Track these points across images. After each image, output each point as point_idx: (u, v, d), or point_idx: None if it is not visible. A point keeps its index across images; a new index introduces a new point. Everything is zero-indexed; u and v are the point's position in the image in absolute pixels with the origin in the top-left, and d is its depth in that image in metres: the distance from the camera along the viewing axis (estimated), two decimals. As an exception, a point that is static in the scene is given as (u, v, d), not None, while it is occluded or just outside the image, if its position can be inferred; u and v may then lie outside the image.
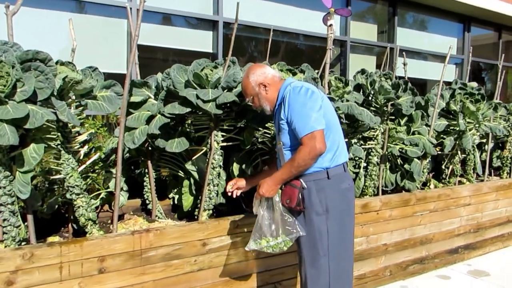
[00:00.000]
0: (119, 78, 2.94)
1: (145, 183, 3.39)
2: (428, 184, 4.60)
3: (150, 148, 3.28)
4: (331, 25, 3.47)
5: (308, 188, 2.55)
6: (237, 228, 3.04)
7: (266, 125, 3.18)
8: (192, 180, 3.27)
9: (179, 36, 6.14)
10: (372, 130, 4.00)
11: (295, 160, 2.48)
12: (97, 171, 3.22)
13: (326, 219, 2.55)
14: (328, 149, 2.53)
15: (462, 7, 8.96)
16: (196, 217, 3.21)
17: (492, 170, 5.62)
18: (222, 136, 3.11)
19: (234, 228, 3.03)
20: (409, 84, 4.11)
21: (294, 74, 3.28)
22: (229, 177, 3.28)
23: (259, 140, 3.32)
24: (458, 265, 4.56)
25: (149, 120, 3.06)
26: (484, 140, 5.22)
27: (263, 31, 6.64)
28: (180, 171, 3.38)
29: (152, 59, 6.26)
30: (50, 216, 3.00)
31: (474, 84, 4.87)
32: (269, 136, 3.32)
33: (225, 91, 2.99)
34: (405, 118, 4.17)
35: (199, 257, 2.92)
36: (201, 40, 6.26)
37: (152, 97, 3.17)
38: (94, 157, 2.97)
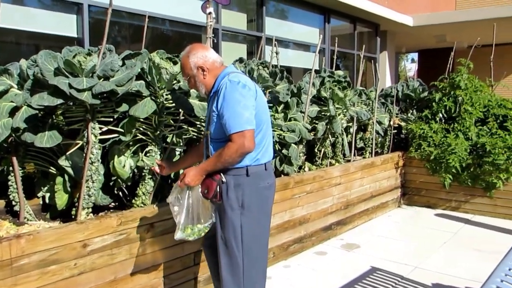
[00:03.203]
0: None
1: (10, 182, 2.96)
2: (303, 167, 4.73)
3: (15, 143, 2.86)
4: (210, 13, 3.32)
5: (227, 183, 2.49)
6: (121, 225, 2.80)
7: (148, 115, 2.96)
8: (66, 177, 2.93)
9: (38, 19, 5.50)
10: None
11: (222, 155, 2.40)
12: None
13: (241, 214, 2.50)
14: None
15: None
16: (73, 216, 2.89)
17: (356, 151, 5.97)
18: (100, 128, 2.84)
19: (118, 225, 2.78)
20: (285, 73, 4.15)
21: (175, 63, 3.08)
22: (109, 171, 3.00)
23: (141, 131, 3.08)
24: (333, 241, 4.78)
25: (13, 112, 2.66)
26: (350, 124, 5.50)
27: (127, 15, 6.29)
28: (51, 167, 3.00)
29: (6, 43, 5.53)
30: None
31: (341, 72, 5.10)
32: (151, 126, 3.10)
33: (101, 80, 2.71)
34: (282, 105, 4.22)
35: (80, 260, 2.62)
36: (63, 24, 5.69)
37: (15, 86, 2.76)
38: None
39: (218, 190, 2.48)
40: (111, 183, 3.15)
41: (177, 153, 3.40)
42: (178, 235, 2.57)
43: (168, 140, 3.32)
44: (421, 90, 6.65)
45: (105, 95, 2.77)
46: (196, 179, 2.51)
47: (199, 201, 2.59)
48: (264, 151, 2.57)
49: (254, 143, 2.41)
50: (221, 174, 2.49)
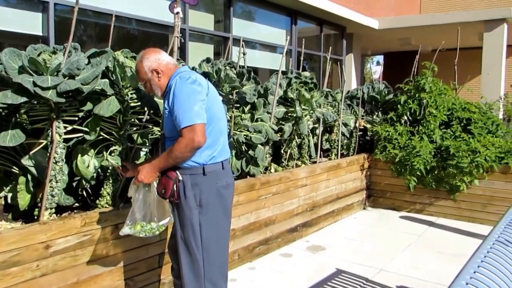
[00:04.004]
0: None
1: (-31, 183, 2.94)
2: (269, 168, 4.82)
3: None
4: (177, 12, 3.39)
5: (184, 181, 2.56)
6: (85, 226, 2.83)
7: (112, 114, 3.00)
8: (29, 177, 2.93)
9: (3, 17, 5.43)
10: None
11: (172, 151, 2.47)
12: None
13: (199, 213, 2.57)
14: (208, 145, 2.55)
15: (290, 1, 9.54)
16: (36, 217, 2.89)
17: (322, 153, 6.10)
18: (65, 127, 2.86)
19: (81, 226, 2.81)
20: (252, 73, 4.24)
21: (140, 61, 3.12)
22: (73, 171, 3.02)
23: (106, 130, 3.11)
24: (298, 242, 4.89)
25: (-27, 110, 2.66)
26: (316, 125, 5.63)
27: (93, 14, 6.26)
28: (14, 167, 3.00)
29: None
30: None
31: (308, 73, 5.23)
32: (115, 126, 3.13)
33: (67, 78, 2.74)
34: (249, 106, 4.31)
35: (42, 261, 2.64)
36: (29, 22, 5.63)
37: (-25, 84, 2.75)
38: None
39: (175, 188, 2.54)
40: (74, 183, 3.17)
41: (142, 153, 3.44)
42: (125, 230, 2.64)
43: (135, 139, 3.36)
44: (386, 92, 6.84)
45: (70, 93, 2.79)
46: (149, 175, 2.57)
47: (155, 199, 2.66)
48: (220, 149, 2.65)
49: (204, 137, 2.46)
50: (177, 172, 2.55)
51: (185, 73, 2.62)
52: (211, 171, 2.59)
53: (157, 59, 2.67)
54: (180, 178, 2.55)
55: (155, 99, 3.24)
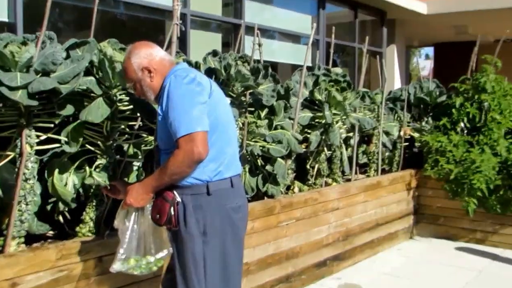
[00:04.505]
0: None
1: None
2: (292, 188, 4.78)
3: None
4: (177, -5, 3.37)
5: (184, 204, 2.52)
6: (62, 259, 2.81)
7: (101, 120, 2.99)
8: (-8, 198, 2.94)
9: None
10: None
11: (167, 167, 2.43)
12: None
13: (203, 243, 2.53)
14: (212, 157, 2.51)
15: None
16: (0, 247, 2.88)
17: (358, 168, 6.05)
18: (37, 136, 2.85)
19: (57, 259, 2.79)
20: (270, 70, 4.22)
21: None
22: (47, 192, 3.01)
23: (89, 140, 3.11)
24: (327, 280, 4.84)
25: None
26: (350, 134, 5.58)
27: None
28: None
29: None
30: None
31: (339, 70, 5.21)
32: (101, 135, 3.12)
33: (40, 75, 2.75)
34: (266, 110, 4.30)
35: (8, 303, 2.62)
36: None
37: None
38: None
39: (172, 213, 2.50)
40: (49, 206, 3.16)
41: (135, 167, 3.43)
42: (116, 266, 2.60)
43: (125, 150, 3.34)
44: (438, 93, 6.78)
45: (44, 95, 2.78)
46: (140, 198, 2.54)
47: (150, 226, 2.62)
48: (228, 162, 2.61)
49: (207, 148, 2.43)
50: (175, 192, 2.52)
51: (182, 70, 2.60)
52: (217, 189, 2.55)
53: (148, 55, 2.64)
54: (179, 199, 2.52)
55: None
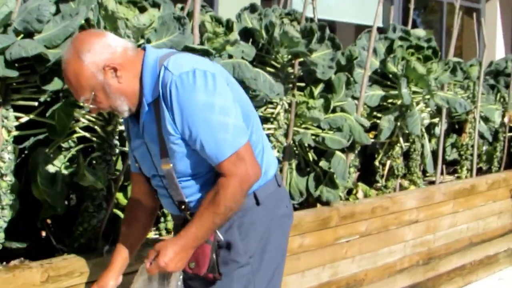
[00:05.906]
0: None
1: None
2: (354, 192, 4.75)
3: None
4: None
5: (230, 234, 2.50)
6: (48, 282, 2.85)
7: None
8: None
9: None
10: (270, 105, 4.01)
11: (219, 204, 2.32)
12: None
13: (251, 272, 2.51)
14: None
15: None
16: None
17: (445, 166, 5.98)
18: (17, 118, 2.90)
19: (42, 282, 2.82)
20: (327, 31, 4.18)
21: (141, 9, 3.13)
22: (29, 192, 3.05)
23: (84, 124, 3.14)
24: (402, 319, 4.81)
25: None
26: (436, 120, 5.52)
27: None
28: None
29: None
30: None
31: (422, 32, 5.13)
32: (100, 116, 3.15)
33: (21, 37, 2.80)
34: (321, 86, 4.26)
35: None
36: None
37: None
38: None
39: (214, 257, 2.44)
40: (31, 212, 3.19)
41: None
42: None
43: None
44: (558, 65, 6.67)
45: (26, 63, 2.80)
46: (179, 258, 2.41)
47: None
48: (266, 156, 2.60)
49: (257, 162, 2.41)
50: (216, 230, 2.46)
51: (173, 61, 2.39)
52: (266, 195, 2.54)
53: (106, 46, 2.41)
54: (220, 237, 2.46)
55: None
